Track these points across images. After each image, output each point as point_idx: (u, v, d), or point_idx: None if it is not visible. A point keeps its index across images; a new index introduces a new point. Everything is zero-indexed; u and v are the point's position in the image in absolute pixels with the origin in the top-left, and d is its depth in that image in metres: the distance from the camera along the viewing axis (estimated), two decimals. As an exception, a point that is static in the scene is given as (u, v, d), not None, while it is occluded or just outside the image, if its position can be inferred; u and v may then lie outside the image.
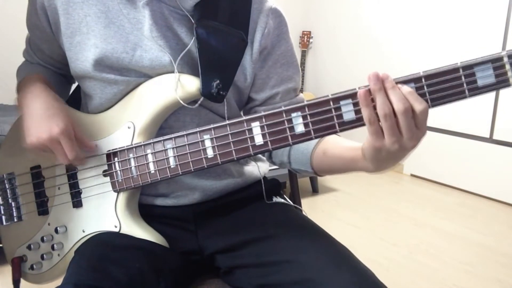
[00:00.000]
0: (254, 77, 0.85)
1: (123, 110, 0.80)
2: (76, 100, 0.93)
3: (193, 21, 0.78)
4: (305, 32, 3.90)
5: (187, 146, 0.73)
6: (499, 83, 0.58)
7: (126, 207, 0.80)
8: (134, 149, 0.77)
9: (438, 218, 2.57)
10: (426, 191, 3.05)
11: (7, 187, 0.88)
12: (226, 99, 0.79)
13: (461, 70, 0.59)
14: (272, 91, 0.86)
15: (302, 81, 3.77)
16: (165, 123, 0.81)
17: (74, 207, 0.83)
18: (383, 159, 0.64)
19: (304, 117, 0.66)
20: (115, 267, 0.71)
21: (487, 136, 2.88)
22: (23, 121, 0.78)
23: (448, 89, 0.59)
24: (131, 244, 0.77)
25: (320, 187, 2.98)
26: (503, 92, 2.72)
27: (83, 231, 0.82)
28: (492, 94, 2.71)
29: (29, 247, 0.86)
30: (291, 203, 0.94)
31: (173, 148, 0.74)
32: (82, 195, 0.82)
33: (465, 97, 0.60)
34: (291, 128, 0.67)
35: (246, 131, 0.70)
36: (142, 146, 0.77)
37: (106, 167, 0.80)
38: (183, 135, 0.74)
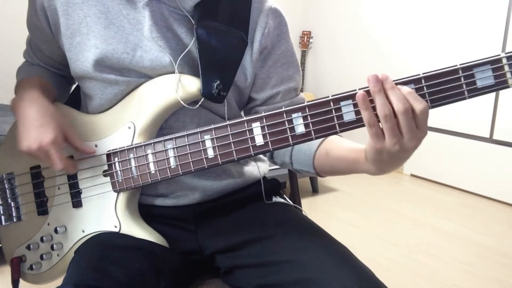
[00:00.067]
0: (255, 77, 0.85)
1: (124, 110, 0.80)
2: (76, 100, 0.93)
3: (193, 21, 0.78)
4: (305, 32, 3.90)
5: (187, 146, 0.73)
6: (498, 85, 0.59)
7: (126, 207, 0.80)
8: (134, 149, 0.77)
9: (438, 218, 2.57)
10: (426, 191, 3.05)
11: (6, 187, 0.88)
12: (226, 99, 0.79)
13: (460, 72, 0.59)
14: (272, 90, 0.86)
15: (302, 81, 3.77)
16: (165, 124, 0.81)
17: (74, 207, 0.83)
18: (385, 160, 0.64)
19: (304, 118, 0.66)
20: (115, 267, 0.71)
21: (487, 136, 2.88)
22: (17, 126, 0.78)
23: (447, 90, 0.60)
24: (131, 244, 0.78)
25: (320, 187, 2.98)
26: (503, 92, 2.72)
27: (83, 231, 0.82)
28: (492, 94, 2.70)
29: (28, 247, 0.86)
30: (291, 203, 0.94)
31: (173, 148, 0.74)
32: (82, 195, 0.82)
33: (464, 98, 0.60)
34: (292, 129, 0.67)
35: (247, 132, 0.70)
36: (143, 146, 0.77)
37: (106, 167, 0.80)
38: (183, 135, 0.74)
